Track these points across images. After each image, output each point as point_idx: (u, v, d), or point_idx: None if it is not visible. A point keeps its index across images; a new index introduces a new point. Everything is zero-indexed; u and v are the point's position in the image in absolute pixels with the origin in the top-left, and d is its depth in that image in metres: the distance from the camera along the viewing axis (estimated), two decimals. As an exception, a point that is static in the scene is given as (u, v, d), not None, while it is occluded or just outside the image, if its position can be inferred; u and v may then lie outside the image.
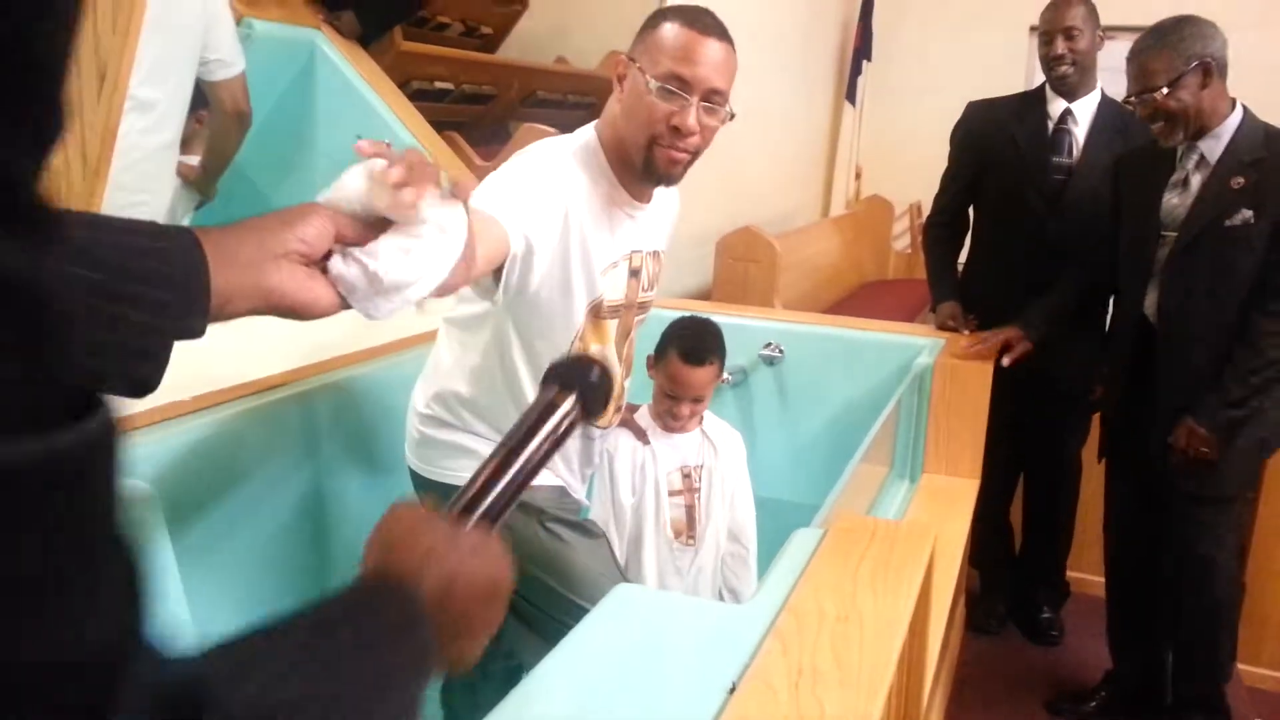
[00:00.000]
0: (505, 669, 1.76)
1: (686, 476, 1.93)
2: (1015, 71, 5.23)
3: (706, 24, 1.48)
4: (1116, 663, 2.48)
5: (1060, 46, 2.47)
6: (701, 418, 1.96)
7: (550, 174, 1.46)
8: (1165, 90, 2.05)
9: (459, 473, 1.59)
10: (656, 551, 1.91)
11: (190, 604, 1.45)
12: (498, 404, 1.60)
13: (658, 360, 1.91)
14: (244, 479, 1.71)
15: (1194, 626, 2.26)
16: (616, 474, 1.89)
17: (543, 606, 1.59)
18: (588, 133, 1.58)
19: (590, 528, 1.70)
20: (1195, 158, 2.15)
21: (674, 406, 1.89)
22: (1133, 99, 2.14)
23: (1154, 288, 2.21)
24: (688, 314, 2.01)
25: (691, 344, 1.86)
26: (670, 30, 1.45)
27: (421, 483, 1.67)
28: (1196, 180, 2.15)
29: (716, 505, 1.95)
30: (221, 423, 1.68)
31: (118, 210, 1.59)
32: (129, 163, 1.66)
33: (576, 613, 1.52)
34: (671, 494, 1.92)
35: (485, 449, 1.57)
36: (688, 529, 1.93)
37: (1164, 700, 2.38)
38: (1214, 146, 2.12)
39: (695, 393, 1.88)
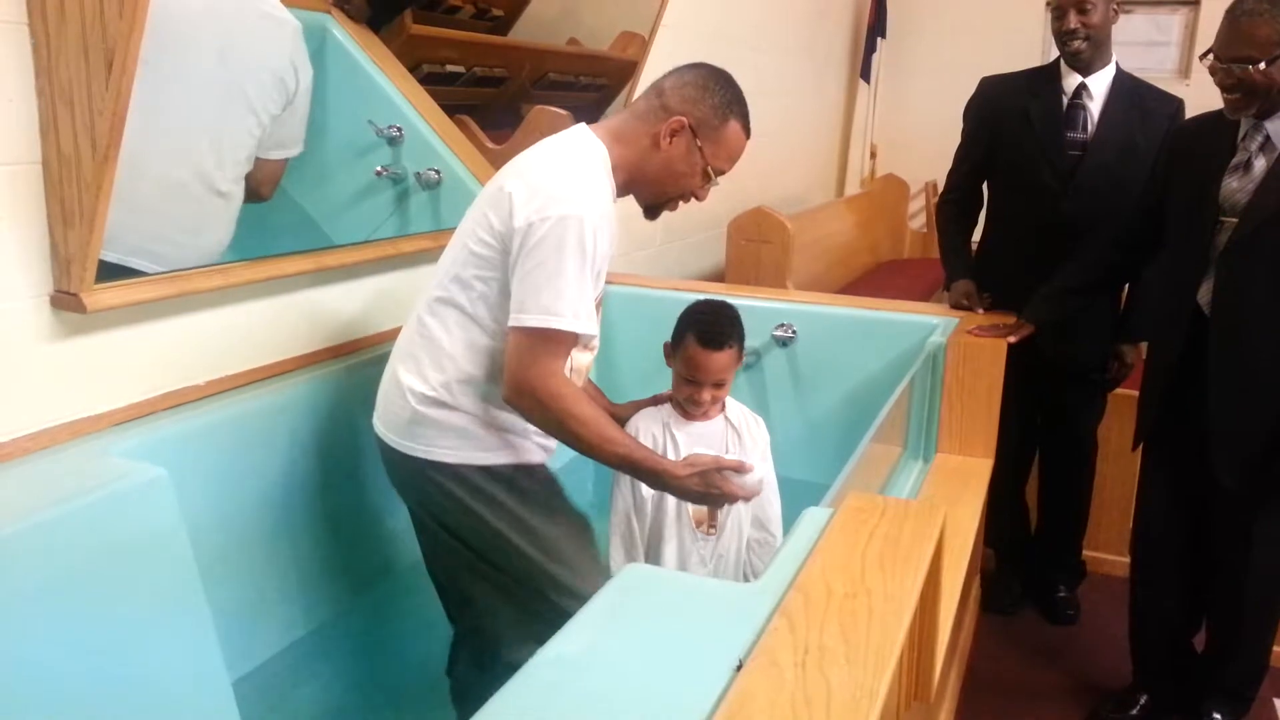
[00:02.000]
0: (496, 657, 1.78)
1: None
2: (1032, 46, 5.17)
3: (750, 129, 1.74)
4: (1141, 656, 2.41)
5: (1073, 20, 2.43)
6: (724, 404, 1.94)
7: (608, 214, 1.60)
8: (1263, 65, 1.87)
9: (459, 452, 1.64)
10: (679, 542, 1.90)
11: (205, 582, 1.47)
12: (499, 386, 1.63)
13: (675, 347, 1.88)
14: (255, 460, 1.72)
15: (1243, 623, 2.20)
16: None
17: (523, 579, 1.66)
18: (599, 149, 1.66)
19: (575, 507, 1.74)
20: (1260, 139, 1.98)
21: (695, 393, 1.86)
22: (1218, 62, 1.94)
23: (1209, 277, 2.04)
24: (703, 297, 1.98)
25: (709, 328, 1.84)
26: (735, 134, 1.71)
27: (410, 462, 1.66)
28: (1260, 164, 1.98)
29: None
30: (233, 406, 1.70)
31: (157, 240, 1.65)
32: (182, 203, 1.70)
33: (558, 589, 1.64)
34: None
35: (480, 431, 1.63)
36: (709, 518, 1.91)
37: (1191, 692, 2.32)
38: None
39: (715, 377, 1.86)
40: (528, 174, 1.60)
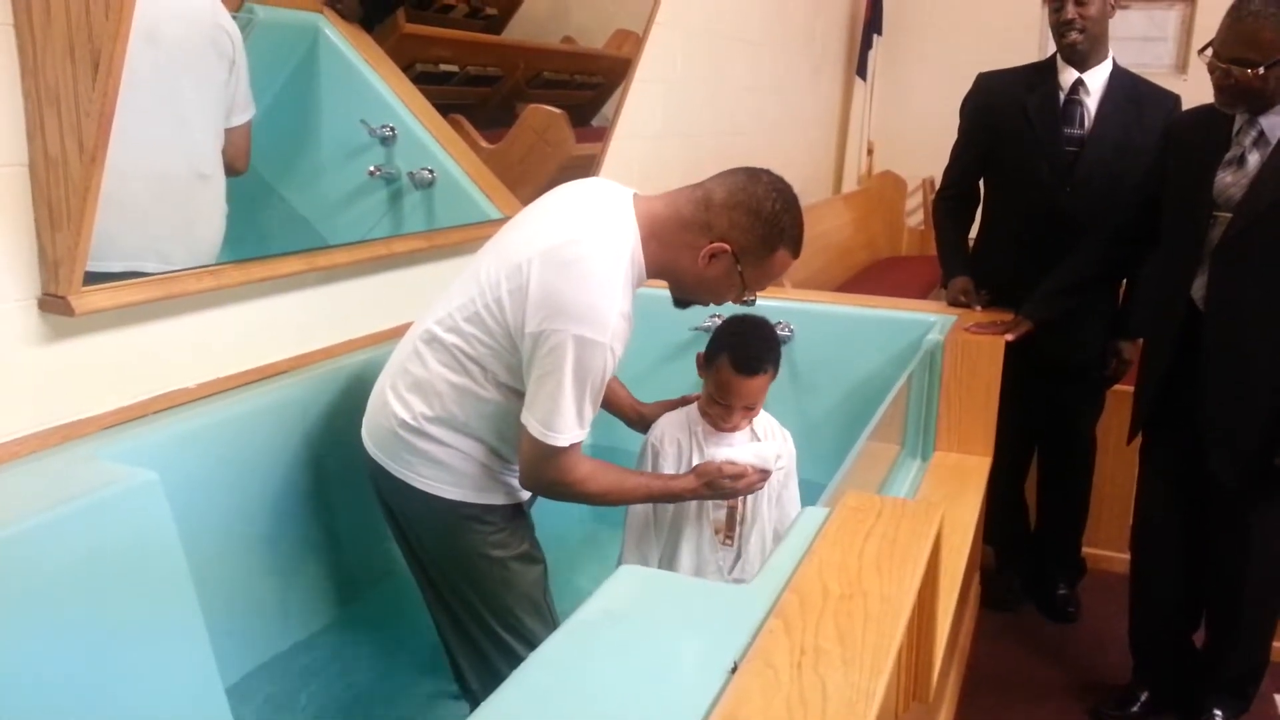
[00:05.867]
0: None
1: None
2: (1029, 42, 5.16)
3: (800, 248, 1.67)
4: (1141, 653, 2.40)
5: (1070, 11, 2.42)
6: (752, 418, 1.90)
7: (626, 318, 1.55)
8: (1261, 70, 1.85)
9: (436, 484, 1.65)
10: (696, 550, 1.88)
11: (197, 587, 1.46)
12: (498, 436, 1.66)
13: (708, 363, 1.83)
14: (247, 463, 1.71)
15: (1243, 619, 2.19)
16: (662, 471, 1.85)
17: (475, 615, 1.72)
18: (630, 238, 1.58)
19: (536, 550, 1.78)
20: (1254, 134, 1.97)
21: (724, 413, 1.82)
22: (1216, 60, 1.91)
23: (1203, 272, 2.03)
24: (740, 311, 1.86)
25: (744, 352, 1.78)
26: (782, 261, 1.63)
27: (389, 478, 1.68)
28: (1254, 159, 1.97)
29: (763, 507, 1.89)
30: (224, 409, 1.69)
31: (160, 239, 1.63)
32: (162, 191, 1.68)
33: (508, 629, 1.70)
34: None
35: (465, 465, 1.65)
36: (726, 529, 1.88)
37: (1191, 689, 2.32)
38: (1276, 123, 1.94)
39: (747, 401, 1.82)
40: (549, 270, 1.52)
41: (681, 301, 1.74)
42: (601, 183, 1.72)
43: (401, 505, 1.71)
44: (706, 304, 1.74)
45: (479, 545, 1.68)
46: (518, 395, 1.60)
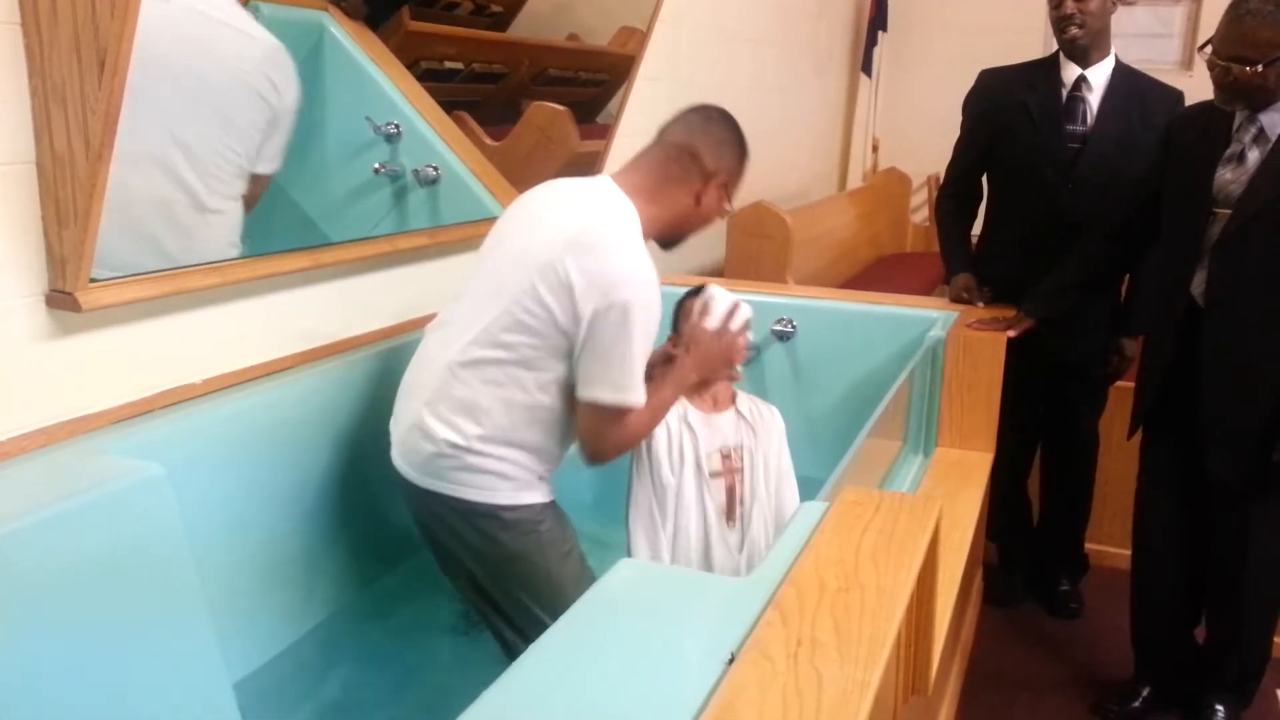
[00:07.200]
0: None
1: (726, 458, 1.90)
2: (1033, 39, 5.14)
3: None
4: (1143, 649, 2.40)
5: (1069, 6, 2.42)
6: (735, 395, 1.94)
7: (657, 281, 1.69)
8: (1260, 67, 1.87)
9: (501, 492, 1.69)
10: (702, 532, 1.89)
11: (203, 581, 1.47)
12: (545, 438, 1.71)
13: (677, 329, 1.91)
14: (252, 458, 1.73)
15: (1243, 616, 2.19)
16: (657, 455, 1.87)
17: (529, 616, 1.75)
18: (633, 213, 1.71)
19: (580, 552, 1.81)
20: (1254, 130, 1.98)
21: (703, 386, 1.89)
22: (1215, 58, 1.93)
23: (1203, 268, 2.05)
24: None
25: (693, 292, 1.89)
26: (745, 169, 1.85)
27: (436, 500, 1.70)
28: (1254, 156, 1.98)
29: (760, 485, 1.92)
30: (230, 404, 1.70)
31: (154, 256, 1.62)
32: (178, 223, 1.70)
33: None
34: (712, 475, 1.89)
35: (515, 471, 1.69)
36: (728, 510, 1.90)
37: (1193, 685, 2.32)
38: (1275, 120, 1.96)
39: None
40: (583, 257, 1.62)
41: (670, 243, 1.86)
42: (570, 180, 1.81)
43: (450, 523, 1.73)
44: (695, 233, 1.87)
45: (530, 547, 1.72)
46: (563, 392, 1.67)
